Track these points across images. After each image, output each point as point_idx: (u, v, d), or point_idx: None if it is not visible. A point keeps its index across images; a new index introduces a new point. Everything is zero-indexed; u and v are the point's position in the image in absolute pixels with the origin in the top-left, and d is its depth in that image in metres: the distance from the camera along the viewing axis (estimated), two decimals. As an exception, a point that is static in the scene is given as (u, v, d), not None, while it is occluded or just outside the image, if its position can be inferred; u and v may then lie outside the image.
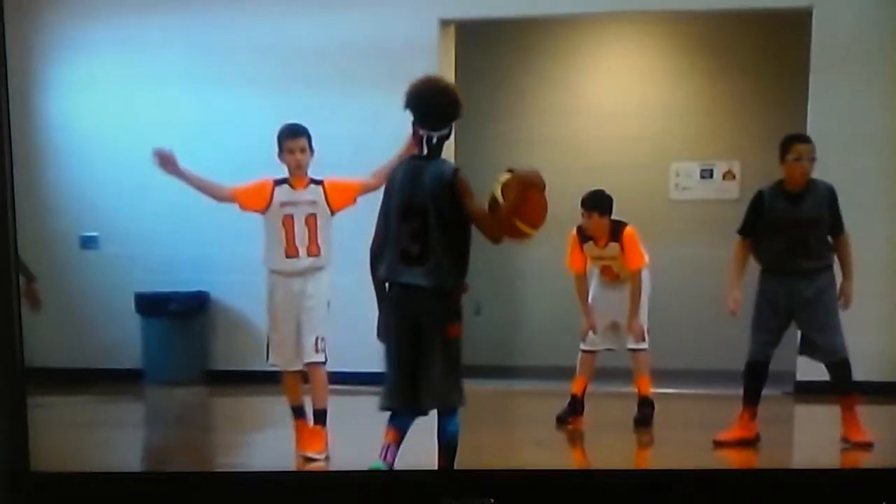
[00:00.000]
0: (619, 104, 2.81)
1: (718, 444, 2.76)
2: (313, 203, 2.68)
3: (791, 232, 2.59)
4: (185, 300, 2.95)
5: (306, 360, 2.66)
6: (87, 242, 3.03)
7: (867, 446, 2.62)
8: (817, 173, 2.63)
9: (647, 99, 2.86)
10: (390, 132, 3.16)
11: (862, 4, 2.51)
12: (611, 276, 3.02)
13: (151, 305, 2.90)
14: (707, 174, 2.80)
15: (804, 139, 2.59)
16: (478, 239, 2.19)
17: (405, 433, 2.35)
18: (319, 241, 2.67)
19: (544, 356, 2.53)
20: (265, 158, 2.68)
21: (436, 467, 2.48)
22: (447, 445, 2.34)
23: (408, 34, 3.17)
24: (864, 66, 2.49)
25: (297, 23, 3.17)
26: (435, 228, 2.22)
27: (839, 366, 2.64)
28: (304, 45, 3.17)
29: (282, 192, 2.65)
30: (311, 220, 2.68)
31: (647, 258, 2.96)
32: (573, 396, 3.04)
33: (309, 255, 2.67)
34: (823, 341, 2.63)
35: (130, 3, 2.85)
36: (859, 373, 2.64)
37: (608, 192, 2.80)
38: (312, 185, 2.68)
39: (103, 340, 2.96)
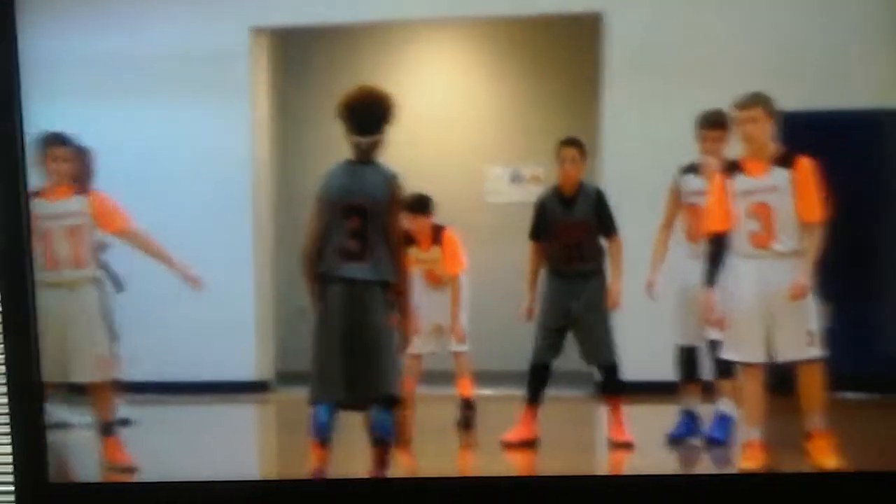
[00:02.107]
0: (434, 111, 2.95)
1: (507, 445, 2.89)
2: (77, 213, 2.66)
3: (565, 235, 2.80)
4: None
5: (86, 377, 2.65)
6: None
7: (628, 446, 2.82)
8: (609, 175, 2.91)
9: (462, 106, 3.02)
10: (200, 141, 3.06)
11: (649, 12, 2.83)
12: (434, 280, 3.09)
13: None
14: (517, 178, 3.01)
15: (568, 142, 2.77)
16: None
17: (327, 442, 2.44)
18: (85, 252, 2.68)
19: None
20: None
21: (446, 476, 2.55)
22: (381, 438, 2.48)
23: (217, 43, 3.10)
24: (653, 71, 2.82)
25: (105, 31, 3.00)
26: (374, 226, 2.29)
27: (608, 370, 2.84)
28: (112, 53, 3.00)
29: (41, 207, 2.57)
30: (78, 232, 2.68)
31: (465, 262, 3.08)
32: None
33: (75, 264, 2.65)
34: (593, 345, 2.82)
35: None
36: (636, 372, 2.83)
37: (428, 194, 2.90)
38: (76, 197, 2.67)
39: None
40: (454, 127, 3.01)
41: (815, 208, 2.60)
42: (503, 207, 2.97)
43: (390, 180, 2.44)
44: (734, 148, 2.74)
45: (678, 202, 2.78)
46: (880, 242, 2.72)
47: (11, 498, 2.30)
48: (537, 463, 2.89)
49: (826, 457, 2.59)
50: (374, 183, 2.44)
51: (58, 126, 2.72)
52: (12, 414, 2.24)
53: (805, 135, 2.69)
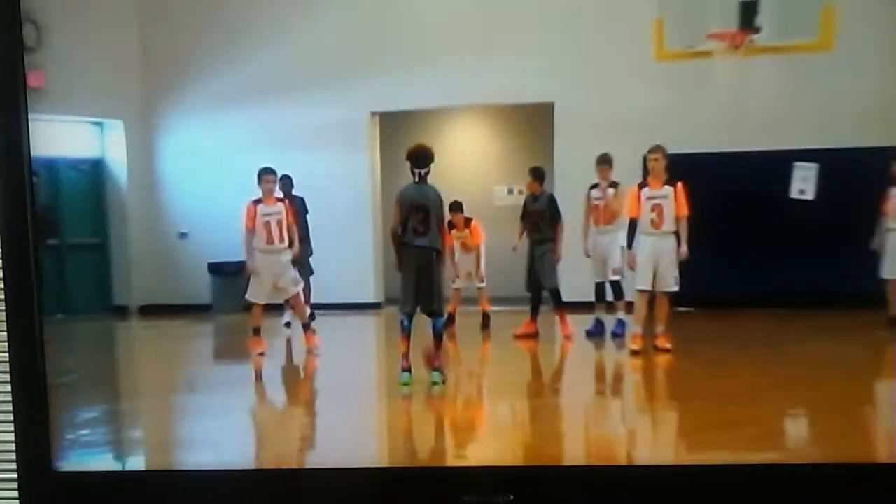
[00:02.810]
0: (465, 156, 5.37)
1: (516, 337, 5.26)
2: (279, 213, 5.02)
3: (531, 217, 5.15)
4: (234, 265, 5.29)
5: (288, 296, 5.06)
6: (182, 235, 5.33)
7: (569, 337, 5.12)
8: (557, 188, 5.20)
9: (479, 152, 5.41)
10: (341, 181, 5.59)
11: (585, 101, 5.08)
12: (465, 247, 5.52)
13: (215, 268, 5.21)
14: (510, 192, 5.38)
15: (529, 171, 5.10)
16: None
17: (410, 337, 4.38)
18: (284, 235, 5.02)
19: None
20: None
21: (456, 465, 3.17)
22: (437, 334, 4.38)
23: (349, 120, 5.66)
24: (581, 132, 5.08)
25: (287, 110, 5.61)
26: (432, 218, 4.34)
27: (554, 293, 5.09)
28: (286, 123, 5.62)
29: (261, 209, 4.96)
30: (280, 223, 5.11)
31: (483, 237, 5.49)
32: (449, 314, 5.49)
33: (279, 242, 5.00)
34: (545, 279, 5.06)
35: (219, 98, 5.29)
36: (570, 296, 5.11)
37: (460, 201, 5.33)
38: (278, 203, 5.07)
39: (188, 288, 5.28)
40: (475, 164, 5.42)
41: (684, 209, 4.79)
42: (503, 208, 5.36)
43: (438, 193, 4.73)
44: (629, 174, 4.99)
45: (589, 203, 5.07)
46: (716, 223, 4.80)
47: (14, 485, 2.28)
48: (534, 348, 5.26)
49: (664, 345, 4.81)
50: (430, 195, 4.70)
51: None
52: (16, 401, 2.21)
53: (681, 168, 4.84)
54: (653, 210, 4.83)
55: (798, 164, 4.62)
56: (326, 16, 5.45)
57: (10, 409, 2.25)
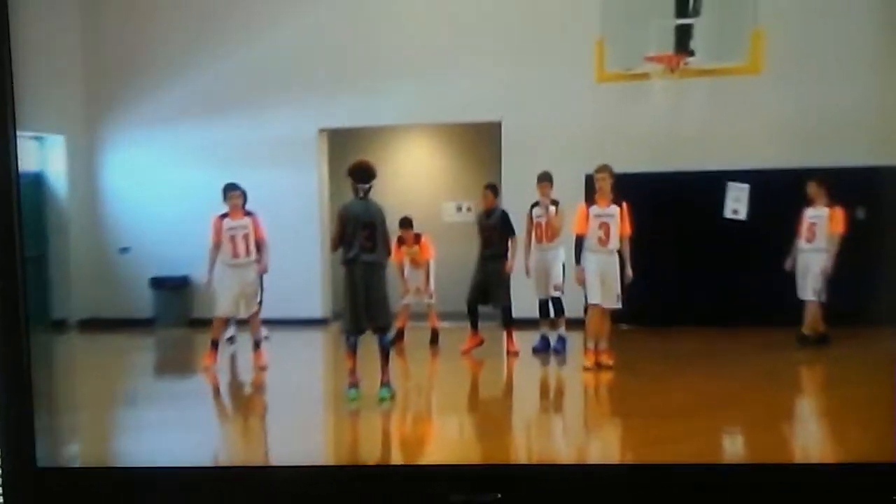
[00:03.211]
0: (416, 178, 5.45)
1: (464, 353, 5.29)
2: (245, 227, 5.10)
3: (484, 233, 5.23)
4: (176, 280, 5.21)
5: (251, 312, 5.05)
6: (123, 251, 5.24)
7: (516, 354, 5.18)
8: (505, 205, 5.30)
9: (430, 173, 5.51)
10: (288, 197, 5.59)
11: (525, 121, 5.21)
12: (415, 263, 5.56)
13: (157, 283, 5.13)
14: (459, 209, 5.45)
15: (486, 186, 5.17)
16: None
17: (356, 353, 4.35)
18: (250, 248, 5.07)
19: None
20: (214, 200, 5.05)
21: (445, 463, 3.16)
22: (384, 350, 4.39)
23: (298, 137, 5.69)
24: (527, 151, 5.21)
25: (234, 126, 5.61)
26: (378, 234, 4.33)
27: (504, 309, 5.18)
28: (233, 140, 5.62)
29: (227, 223, 5.05)
30: (246, 237, 5.09)
31: (433, 254, 5.53)
32: (398, 329, 5.51)
33: (245, 255, 5.07)
34: (497, 295, 5.14)
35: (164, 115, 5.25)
36: (519, 312, 5.18)
37: (410, 217, 5.39)
38: (245, 217, 5.10)
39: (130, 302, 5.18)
40: (425, 181, 5.50)
41: (628, 228, 4.91)
42: (453, 224, 5.42)
43: (381, 209, 4.73)
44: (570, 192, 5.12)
45: (531, 222, 5.17)
46: (654, 241, 4.96)
47: (-2, 482, 2.26)
48: (482, 364, 5.29)
49: (607, 361, 4.89)
50: (375, 210, 4.66)
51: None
52: (0, 400, 2.24)
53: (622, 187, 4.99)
54: (600, 228, 4.93)
55: (731, 183, 4.81)
56: (276, 34, 5.51)
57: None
